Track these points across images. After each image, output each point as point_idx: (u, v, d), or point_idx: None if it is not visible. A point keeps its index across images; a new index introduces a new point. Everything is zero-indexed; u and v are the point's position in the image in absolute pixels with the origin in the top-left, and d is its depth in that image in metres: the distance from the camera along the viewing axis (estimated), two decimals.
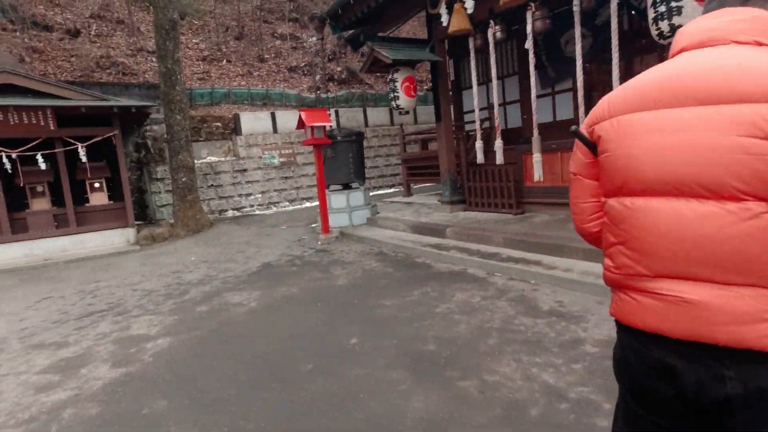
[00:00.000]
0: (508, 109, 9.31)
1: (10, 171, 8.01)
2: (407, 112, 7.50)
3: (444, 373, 2.79)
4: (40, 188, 8.80)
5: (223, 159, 12.22)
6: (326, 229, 7.75)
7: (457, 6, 6.37)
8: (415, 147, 13.27)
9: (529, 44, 5.84)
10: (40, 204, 8.80)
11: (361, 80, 15.64)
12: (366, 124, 14.41)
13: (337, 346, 3.36)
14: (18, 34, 13.22)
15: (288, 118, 12.94)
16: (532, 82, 6.04)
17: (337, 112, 13.81)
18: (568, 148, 6.20)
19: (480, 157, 6.91)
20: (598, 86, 7.95)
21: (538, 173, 6.02)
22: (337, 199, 8.26)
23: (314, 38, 14.94)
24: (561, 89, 8.36)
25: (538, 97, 8.93)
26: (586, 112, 5.30)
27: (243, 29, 16.69)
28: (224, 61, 15.24)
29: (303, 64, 15.36)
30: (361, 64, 15.85)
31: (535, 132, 5.97)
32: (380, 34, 7.71)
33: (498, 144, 6.53)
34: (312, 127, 7.43)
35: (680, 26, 3.86)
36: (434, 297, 4.28)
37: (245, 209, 12.11)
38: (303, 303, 4.51)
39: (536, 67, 8.40)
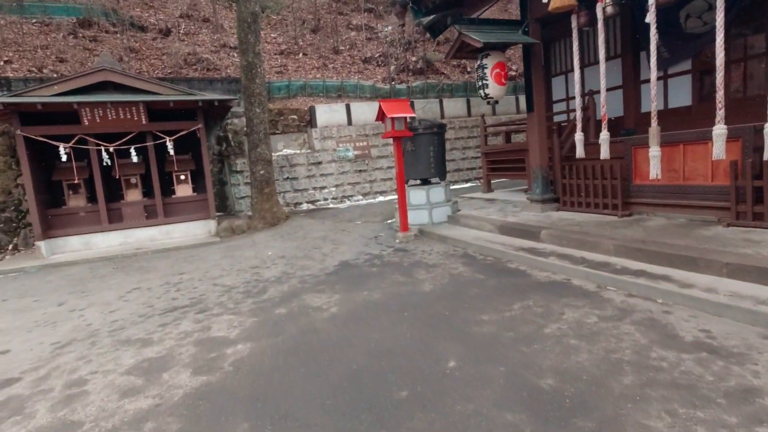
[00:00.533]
0: (607, 96, 8.30)
1: (107, 164, 8.45)
2: (497, 102, 6.85)
3: (574, 422, 2.25)
4: (133, 180, 9.24)
5: (298, 151, 12.24)
6: (405, 226, 7.35)
7: None
8: (495, 140, 12.50)
9: (650, 17, 4.98)
10: (133, 195, 9.24)
11: (437, 70, 15.02)
12: (442, 116, 13.81)
13: (433, 370, 2.92)
14: (118, 35, 14.14)
15: (363, 110, 12.69)
16: (652, 63, 5.16)
17: (412, 104, 13.31)
18: (690, 140, 5.27)
19: (580, 151, 6.11)
20: (728, 66, 6.78)
21: (655, 170, 5.14)
22: (416, 195, 7.82)
23: (389, 27, 14.55)
24: (675, 72, 7.27)
25: (643, 82, 7.95)
26: (726, 95, 4.36)
27: (319, 22, 16.70)
28: (300, 54, 15.32)
29: (378, 54, 15.03)
30: (439, 53, 15.24)
31: (654, 122, 5.09)
32: (467, 17, 7.10)
33: (604, 136, 5.70)
34: (392, 119, 7.02)
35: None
36: (539, 313, 3.70)
37: (319, 202, 12.06)
38: (388, 311, 4.12)
39: (645, 49, 7.43)
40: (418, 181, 8.18)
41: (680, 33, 6.87)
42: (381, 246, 6.98)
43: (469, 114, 14.00)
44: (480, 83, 6.70)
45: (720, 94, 4.50)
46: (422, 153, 7.79)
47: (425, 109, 13.53)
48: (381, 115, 7.25)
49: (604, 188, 6.21)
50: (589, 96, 7.45)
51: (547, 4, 5.92)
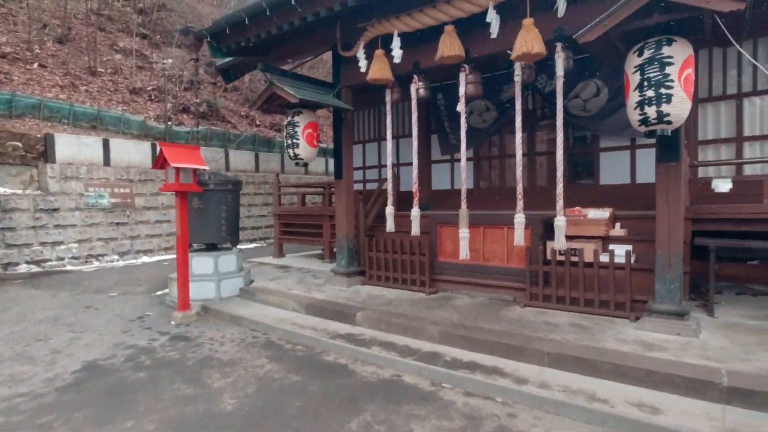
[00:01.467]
0: (400, 171, 8.76)
1: None
2: (306, 164, 6.22)
3: None
4: None
5: (20, 192, 8.90)
6: (185, 303, 5.75)
7: (378, 52, 5.55)
8: (291, 200, 11.91)
9: (461, 107, 5.27)
10: None
11: (224, 118, 13.73)
12: (227, 168, 12.48)
13: None
14: None
15: (128, 149, 10.31)
16: (462, 148, 5.43)
17: None
18: (489, 223, 5.69)
19: (390, 226, 5.96)
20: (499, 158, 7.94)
21: (464, 250, 5.29)
22: (201, 263, 6.32)
23: (170, 61, 12.66)
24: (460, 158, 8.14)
25: (434, 162, 8.72)
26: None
27: (69, 31, 13.37)
28: (36, 64, 11.77)
29: (150, 87, 12.79)
30: (225, 99, 14.02)
31: (463, 204, 5.30)
32: (278, 68, 6.42)
33: (415, 213, 5.68)
34: (178, 169, 5.57)
35: (668, 114, 3.64)
36: None
37: (51, 263, 8.86)
38: None
39: (438, 131, 8.18)
40: (204, 246, 6.72)
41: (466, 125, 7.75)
42: (150, 332, 5.21)
43: (257, 169, 13.08)
44: (289, 142, 5.99)
45: (519, 186, 4.95)
46: (212, 213, 6.44)
47: (207, 158, 11.96)
48: (161, 162, 5.69)
49: (412, 264, 6.17)
50: (392, 169, 7.60)
51: (365, 73, 5.78)
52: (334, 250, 8.71)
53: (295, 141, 5.89)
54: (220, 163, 12.29)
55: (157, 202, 10.52)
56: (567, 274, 4.88)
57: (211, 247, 6.69)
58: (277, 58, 7.27)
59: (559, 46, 4.53)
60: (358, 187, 9.37)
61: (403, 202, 7.53)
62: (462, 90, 5.26)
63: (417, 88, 5.73)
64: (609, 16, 3.31)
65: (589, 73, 6.33)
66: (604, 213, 5.20)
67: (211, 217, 6.41)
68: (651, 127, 3.47)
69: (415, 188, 5.76)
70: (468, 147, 7.88)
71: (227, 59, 8.43)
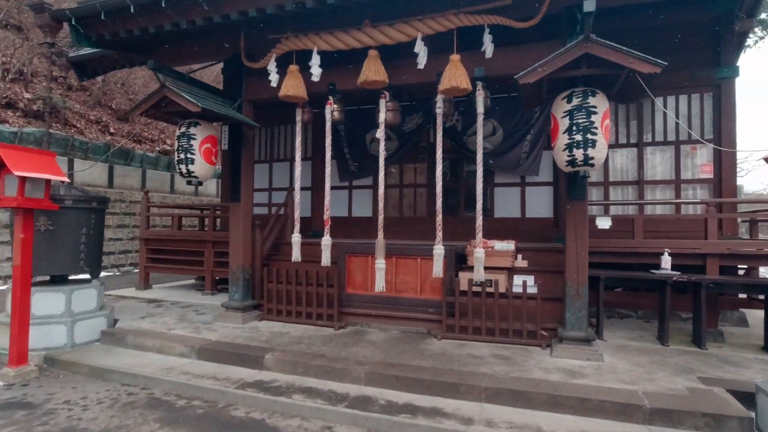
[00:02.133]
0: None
1: None
2: (201, 183, 5.38)
3: None
4: None
5: None
6: (21, 356, 4.38)
7: (293, 68, 5.17)
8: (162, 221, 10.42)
9: (380, 134, 5.13)
10: None
11: (68, 121, 11.42)
12: (71, 181, 10.29)
13: None
14: None
15: None
16: (380, 175, 5.25)
17: None
18: (402, 254, 5.58)
19: (297, 255, 5.47)
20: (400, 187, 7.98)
21: (381, 282, 5.07)
22: (47, 301, 4.93)
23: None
24: (359, 184, 8.01)
25: (332, 188, 8.38)
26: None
27: None
28: None
29: None
30: (69, 100, 11.61)
31: (380, 233, 5.10)
32: (171, 69, 5.51)
33: (326, 241, 5.30)
34: (22, 179, 4.29)
35: (593, 157, 3.96)
36: None
37: None
38: None
39: (337, 157, 7.91)
40: (48, 277, 5.28)
41: (366, 152, 7.68)
42: None
43: (111, 184, 11.10)
44: (182, 156, 5.11)
45: (439, 218, 4.95)
46: (67, 236, 5.10)
47: None
48: None
49: (318, 296, 5.70)
50: (288, 192, 7.08)
51: (274, 88, 5.31)
52: (217, 279, 7.73)
53: (189, 156, 5.05)
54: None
55: None
56: (483, 305, 4.98)
57: (59, 280, 5.28)
58: (159, 59, 6.29)
59: (479, 84, 4.73)
60: (262, 211, 8.52)
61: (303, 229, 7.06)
62: (382, 116, 5.15)
63: (332, 110, 5.45)
64: (547, 63, 3.53)
65: (487, 114, 6.80)
66: (510, 245, 5.51)
67: (65, 241, 5.07)
68: (576, 168, 3.77)
69: (326, 215, 5.38)
70: (367, 175, 7.90)
71: (89, 51, 7.07)
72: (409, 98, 7.23)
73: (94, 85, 13.07)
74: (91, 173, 10.72)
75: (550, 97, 4.18)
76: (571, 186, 4.45)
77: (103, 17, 5.02)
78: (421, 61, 4.63)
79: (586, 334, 4.38)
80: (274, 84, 5.29)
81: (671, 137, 6.24)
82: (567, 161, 3.76)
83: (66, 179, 4.70)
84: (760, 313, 5.04)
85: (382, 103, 5.14)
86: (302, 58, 5.16)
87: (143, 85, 14.92)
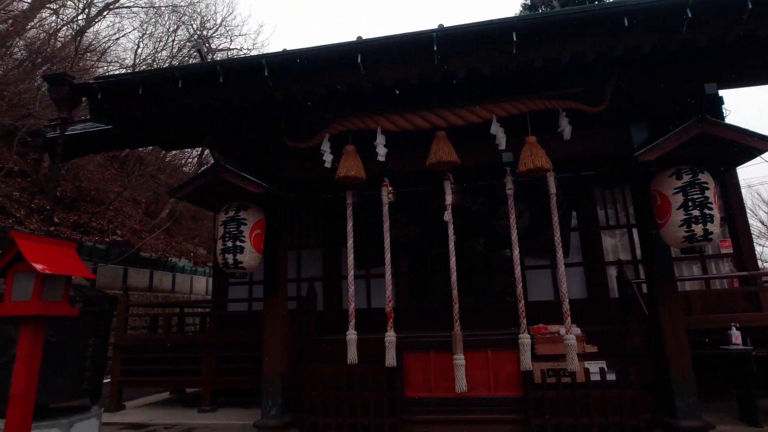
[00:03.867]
0: (303, 286, 7.45)
1: None
2: (245, 275, 4.62)
3: None
4: None
5: None
6: None
7: (350, 148, 4.87)
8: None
9: (448, 217, 4.86)
10: None
11: (3, 208, 9.83)
12: None
13: None
14: None
15: None
16: (452, 263, 4.86)
17: None
18: (469, 346, 5.04)
19: (353, 355, 4.73)
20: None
21: (461, 382, 4.47)
22: None
23: None
24: (376, 273, 7.48)
25: (344, 278, 7.72)
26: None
27: None
28: None
29: None
30: (5, 186, 10.04)
31: (456, 325, 4.60)
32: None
33: (390, 338, 4.68)
34: (41, 277, 3.34)
35: (712, 232, 3.93)
36: None
37: None
38: None
39: (355, 245, 7.40)
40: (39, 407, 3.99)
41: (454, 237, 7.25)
42: None
43: None
44: (230, 244, 4.40)
45: (521, 304, 4.61)
46: (72, 351, 4.00)
47: None
48: (4, 263, 3.36)
49: (376, 404, 4.87)
50: (310, 284, 6.36)
51: (324, 170, 4.94)
52: (214, 391, 6.48)
53: (239, 244, 4.35)
54: None
55: None
56: (576, 398, 4.53)
57: (51, 412, 4.01)
58: (171, 140, 5.72)
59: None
60: (240, 307, 7.51)
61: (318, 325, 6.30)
62: (449, 199, 4.92)
63: (388, 192, 5.12)
64: (667, 140, 3.59)
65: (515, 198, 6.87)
66: (577, 330, 5.23)
67: (68, 357, 3.95)
68: (694, 243, 3.72)
69: (389, 307, 4.80)
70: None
71: (78, 130, 6.26)
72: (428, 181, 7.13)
73: (36, 170, 11.66)
74: None
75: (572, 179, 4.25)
76: (657, 266, 4.39)
77: (140, 91, 4.46)
78: (501, 141, 4.57)
79: (703, 423, 4.07)
80: (328, 164, 4.91)
81: None
82: (684, 237, 3.70)
83: (93, 276, 3.76)
84: None
85: (447, 185, 4.93)
86: (358, 138, 4.91)
87: (94, 171, 13.64)
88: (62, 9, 15.74)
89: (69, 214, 11.76)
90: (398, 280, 7.47)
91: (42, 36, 15.12)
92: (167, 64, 17.44)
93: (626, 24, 3.68)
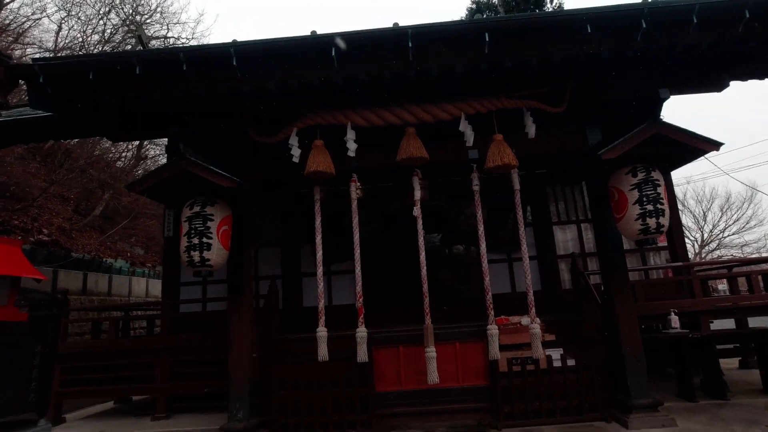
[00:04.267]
0: (262, 285, 7.21)
1: None
2: (211, 274, 4.40)
3: None
4: None
5: None
6: None
7: (318, 143, 4.80)
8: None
9: (417, 212, 4.92)
10: None
11: None
12: None
13: None
14: None
15: None
16: (422, 258, 4.91)
17: None
18: (438, 341, 5.16)
19: (323, 353, 4.67)
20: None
21: (433, 374, 4.55)
22: None
23: None
24: (338, 269, 7.41)
25: (304, 275, 7.57)
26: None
27: None
28: None
29: None
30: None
31: (427, 318, 4.68)
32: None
33: (362, 333, 4.68)
34: None
35: (664, 225, 4.25)
36: None
37: None
38: None
39: (311, 241, 7.27)
40: None
41: (344, 233, 7.21)
42: None
43: None
44: (196, 241, 4.17)
45: (489, 296, 4.78)
46: (16, 361, 3.61)
47: None
48: None
49: (346, 401, 4.85)
50: (272, 282, 6.18)
51: (293, 166, 4.82)
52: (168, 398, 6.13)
53: (206, 240, 4.14)
54: None
55: None
56: (538, 384, 4.76)
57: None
58: (123, 129, 5.34)
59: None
60: (193, 308, 7.14)
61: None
62: (418, 194, 4.99)
63: (356, 188, 5.10)
64: (626, 140, 3.87)
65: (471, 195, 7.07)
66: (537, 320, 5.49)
67: (12, 367, 3.57)
68: (648, 236, 4.04)
69: (359, 303, 4.79)
70: (349, 257, 7.36)
71: (16, 115, 5.68)
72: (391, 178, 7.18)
73: None
74: None
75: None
76: (612, 258, 4.73)
77: (91, 77, 4.10)
78: (469, 139, 4.70)
79: (653, 400, 4.44)
80: (296, 159, 4.79)
81: None
82: (640, 230, 4.02)
83: (43, 277, 3.44)
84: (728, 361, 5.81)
85: (416, 181, 4.99)
86: (326, 133, 4.84)
87: (14, 164, 12.33)
88: None
89: None
90: (348, 277, 7.45)
91: None
92: (98, 50, 16.16)
93: (589, 30, 3.92)
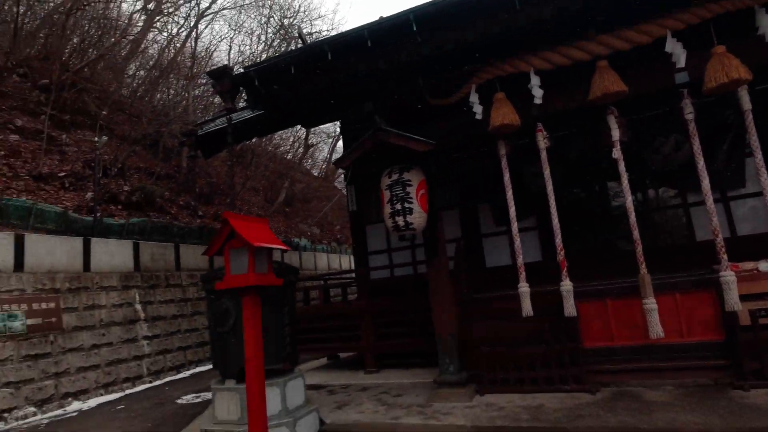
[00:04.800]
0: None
1: None
2: (415, 237, 4.71)
3: None
4: None
5: None
6: None
7: (500, 95, 4.62)
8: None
9: (617, 154, 4.46)
10: None
11: (162, 208, 11.15)
12: (177, 267, 9.82)
13: None
14: None
15: (48, 247, 7.41)
16: (628, 201, 4.48)
17: (137, 245, 8.98)
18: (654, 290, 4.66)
19: (527, 309, 4.60)
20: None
21: (656, 327, 4.15)
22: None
23: (104, 138, 10.06)
24: (523, 227, 7.19)
25: (484, 236, 7.62)
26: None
27: None
28: None
29: (63, 173, 9.93)
30: (160, 188, 11.45)
31: (643, 267, 4.26)
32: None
33: (567, 286, 4.47)
34: (253, 252, 3.64)
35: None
36: None
37: None
38: None
39: (490, 199, 7.21)
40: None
41: (525, 190, 6.94)
42: None
43: (212, 265, 10.56)
44: (398, 207, 4.47)
45: (719, 239, 4.12)
46: (273, 319, 4.38)
47: (154, 255, 9.31)
48: (221, 243, 3.72)
49: (553, 356, 4.75)
50: (458, 243, 6.32)
51: (476, 123, 4.75)
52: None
53: (407, 205, 4.41)
54: (169, 260, 9.59)
55: (94, 319, 7.44)
56: None
57: (265, 374, 4.46)
58: (313, 117, 5.91)
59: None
60: (381, 274, 7.74)
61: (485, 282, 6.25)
62: (616, 134, 4.50)
63: (543, 137, 4.83)
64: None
65: (670, 128, 6.14)
66: None
67: (271, 325, 4.33)
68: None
69: (561, 256, 4.59)
70: (530, 215, 7.09)
71: (218, 125, 6.74)
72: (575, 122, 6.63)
73: (177, 172, 13.04)
74: (194, 255, 10.24)
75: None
76: None
77: (293, 72, 4.63)
78: (679, 59, 4.05)
79: None
80: (479, 116, 4.73)
81: None
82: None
83: (287, 247, 4.05)
84: None
85: (612, 119, 4.51)
86: (504, 84, 4.66)
87: (220, 167, 15.01)
88: (166, 26, 17.13)
89: (207, 206, 13.02)
90: (539, 233, 7.15)
91: (154, 52, 16.66)
92: (264, 57, 18.25)
93: None
